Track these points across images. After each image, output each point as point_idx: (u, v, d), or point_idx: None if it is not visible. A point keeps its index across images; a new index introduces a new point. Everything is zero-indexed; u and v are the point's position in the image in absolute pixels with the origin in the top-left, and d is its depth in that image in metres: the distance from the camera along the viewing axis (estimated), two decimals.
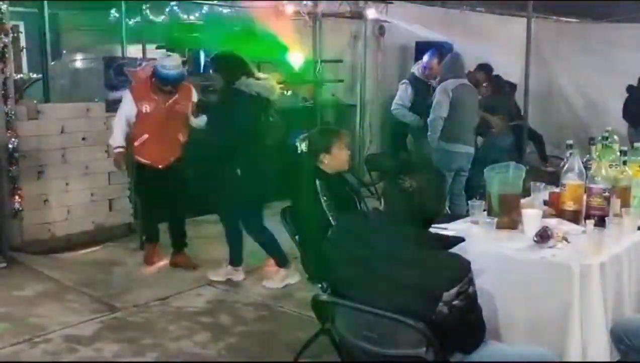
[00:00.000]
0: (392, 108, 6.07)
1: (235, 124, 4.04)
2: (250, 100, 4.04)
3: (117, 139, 4.56)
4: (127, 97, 4.54)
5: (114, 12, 8.74)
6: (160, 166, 4.56)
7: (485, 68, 6.61)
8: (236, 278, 4.39)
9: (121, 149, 4.58)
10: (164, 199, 4.65)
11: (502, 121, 6.20)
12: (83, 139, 5.30)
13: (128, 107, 4.50)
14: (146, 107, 4.46)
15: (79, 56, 8.90)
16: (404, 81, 6.08)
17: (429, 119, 5.33)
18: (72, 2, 8.84)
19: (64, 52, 9.49)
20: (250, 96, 4.03)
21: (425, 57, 5.95)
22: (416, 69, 5.96)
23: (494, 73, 6.88)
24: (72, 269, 4.74)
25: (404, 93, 5.91)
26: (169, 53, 4.81)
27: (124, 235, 5.52)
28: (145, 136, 4.50)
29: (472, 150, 5.43)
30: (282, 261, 4.31)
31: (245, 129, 4.05)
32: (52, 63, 7.14)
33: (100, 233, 5.42)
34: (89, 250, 5.17)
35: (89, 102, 5.57)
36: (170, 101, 4.50)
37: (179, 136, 4.60)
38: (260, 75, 4.20)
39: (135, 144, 4.56)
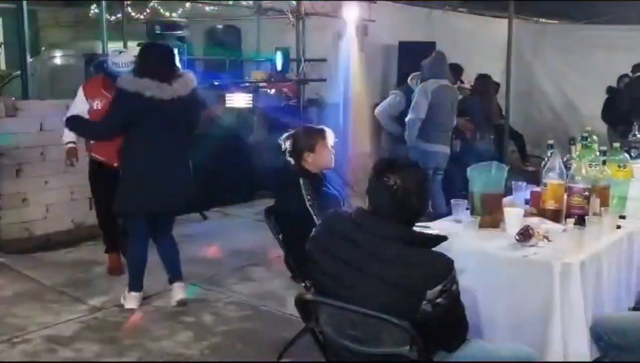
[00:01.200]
0: (376, 112, 5.99)
1: (110, 121, 3.75)
2: (127, 98, 3.62)
3: (68, 134, 4.32)
4: (79, 93, 4.38)
5: (94, 9, 8.65)
6: (116, 165, 4.14)
7: (453, 68, 6.40)
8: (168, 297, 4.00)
9: (72, 145, 4.40)
10: None
11: (469, 123, 6.17)
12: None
13: (79, 103, 4.34)
14: (97, 104, 4.27)
15: (58, 53, 8.80)
16: (397, 92, 5.86)
17: (406, 119, 5.37)
18: None
19: (43, 48, 9.38)
20: (127, 94, 3.61)
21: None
22: (415, 82, 5.58)
23: (482, 73, 6.79)
24: (52, 269, 4.68)
25: (393, 102, 5.71)
26: (122, 50, 4.70)
27: None
28: None
29: (448, 150, 5.51)
30: (132, 285, 3.94)
31: (117, 127, 3.71)
32: (31, 59, 7.05)
33: (80, 232, 5.36)
34: (68, 249, 5.11)
35: (69, 99, 5.50)
36: None
37: None
38: (180, 73, 3.83)
39: (91, 141, 4.37)
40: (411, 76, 5.78)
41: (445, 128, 5.46)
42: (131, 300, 3.94)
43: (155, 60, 3.76)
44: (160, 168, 3.73)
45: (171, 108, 3.69)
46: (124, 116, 3.68)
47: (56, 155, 5.21)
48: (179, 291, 3.99)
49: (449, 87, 5.51)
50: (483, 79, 6.61)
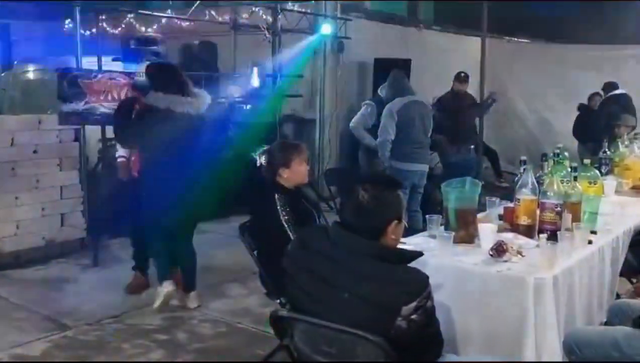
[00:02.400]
0: (351, 125, 6.02)
1: (140, 137, 3.96)
2: (159, 114, 3.81)
3: (119, 150, 4.59)
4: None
5: (68, 23, 8.57)
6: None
7: (459, 77, 6.42)
8: (190, 304, 4.18)
9: (123, 159, 4.52)
10: None
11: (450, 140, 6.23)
12: (34, 152, 5.15)
13: None
14: None
15: (31, 67, 8.67)
16: (368, 102, 5.91)
17: (377, 141, 5.36)
18: (25, 12, 8.63)
19: (16, 62, 9.24)
20: (158, 111, 3.81)
21: None
22: (385, 92, 5.65)
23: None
24: (21, 286, 4.58)
25: (366, 113, 5.74)
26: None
27: (76, 250, 5.36)
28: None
29: (425, 168, 5.44)
30: (160, 277, 4.10)
31: (148, 142, 3.92)
32: (3, 74, 6.95)
33: (51, 249, 5.25)
34: (39, 266, 5.00)
35: (41, 114, 5.42)
36: None
37: None
38: (195, 91, 4.01)
39: (132, 158, 4.39)
40: (381, 86, 5.82)
41: (419, 145, 5.38)
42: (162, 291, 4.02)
43: (174, 76, 3.94)
44: (179, 178, 3.89)
45: (196, 122, 3.93)
46: (151, 132, 3.84)
47: (27, 171, 5.13)
48: (194, 300, 4.21)
49: (417, 102, 5.44)
50: (455, 97, 6.63)
